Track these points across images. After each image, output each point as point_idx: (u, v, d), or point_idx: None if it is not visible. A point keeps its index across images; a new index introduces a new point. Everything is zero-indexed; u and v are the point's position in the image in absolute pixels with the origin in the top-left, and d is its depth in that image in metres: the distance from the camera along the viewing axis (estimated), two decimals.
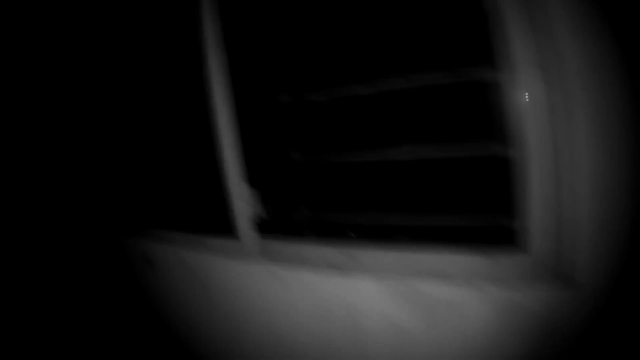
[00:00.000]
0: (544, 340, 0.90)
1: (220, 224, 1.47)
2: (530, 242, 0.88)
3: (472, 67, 0.91)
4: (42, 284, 2.16)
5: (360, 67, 1.08)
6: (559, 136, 0.80)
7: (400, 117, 1.08)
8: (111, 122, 1.92)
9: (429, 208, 1.09)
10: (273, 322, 1.34)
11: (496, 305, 0.93)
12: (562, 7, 0.73)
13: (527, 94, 0.82)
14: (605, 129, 0.75)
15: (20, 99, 2.08)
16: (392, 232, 1.13)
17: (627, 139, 0.74)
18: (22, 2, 1.96)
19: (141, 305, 1.98)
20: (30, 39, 2.02)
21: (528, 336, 0.91)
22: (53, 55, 2.00)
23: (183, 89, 1.49)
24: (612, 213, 0.78)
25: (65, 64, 1.99)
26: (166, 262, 1.72)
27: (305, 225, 1.26)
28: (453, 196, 1.07)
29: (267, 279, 1.30)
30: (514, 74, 0.83)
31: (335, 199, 1.23)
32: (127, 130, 1.87)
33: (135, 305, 2.01)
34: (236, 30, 1.27)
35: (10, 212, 2.06)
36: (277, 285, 1.28)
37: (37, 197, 2.13)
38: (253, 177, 1.30)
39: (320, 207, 1.25)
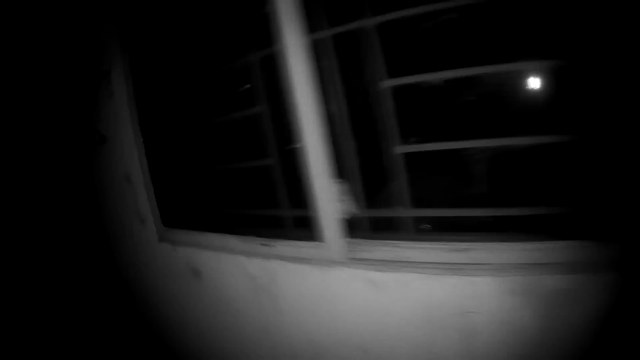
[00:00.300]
0: None
1: (296, 225, 1.35)
2: None
3: None
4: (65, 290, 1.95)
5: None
6: None
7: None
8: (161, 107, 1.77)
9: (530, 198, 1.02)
10: (362, 332, 1.22)
11: (608, 289, 0.88)
12: None
13: None
14: None
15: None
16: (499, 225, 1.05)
17: None
18: None
19: (181, 320, 1.81)
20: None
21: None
22: None
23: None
24: None
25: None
26: (217, 272, 1.56)
27: (403, 222, 1.15)
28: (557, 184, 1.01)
29: (356, 285, 1.18)
30: None
31: (435, 191, 1.13)
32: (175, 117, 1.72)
33: (174, 320, 1.84)
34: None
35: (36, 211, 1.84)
36: (370, 291, 1.16)
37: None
38: (339, 170, 1.18)
39: (419, 201, 1.14)
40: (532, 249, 0.97)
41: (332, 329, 1.28)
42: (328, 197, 1.17)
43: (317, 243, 1.22)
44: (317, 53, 1.15)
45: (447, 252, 1.06)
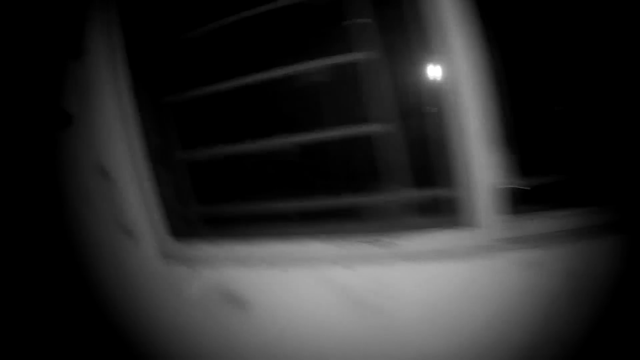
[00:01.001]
0: None
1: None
2: None
3: None
4: None
5: None
6: None
7: None
8: None
9: None
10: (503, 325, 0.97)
11: None
12: None
13: None
14: None
15: None
16: None
17: None
18: None
19: None
20: None
21: None
22: None
23: None
24: None
25: None
26: (279, 296, 1.12)
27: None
28: None
29: (512, 270, 0.94)
30: None
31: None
32: None
33: None
34: None
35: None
36: (525, 274, 0.94)
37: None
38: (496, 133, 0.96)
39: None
40: None
41: (468, 332, 1.00)
42: (487, 167, 0.93)
43: (467, 228, 0.95)
44: None
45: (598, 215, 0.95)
